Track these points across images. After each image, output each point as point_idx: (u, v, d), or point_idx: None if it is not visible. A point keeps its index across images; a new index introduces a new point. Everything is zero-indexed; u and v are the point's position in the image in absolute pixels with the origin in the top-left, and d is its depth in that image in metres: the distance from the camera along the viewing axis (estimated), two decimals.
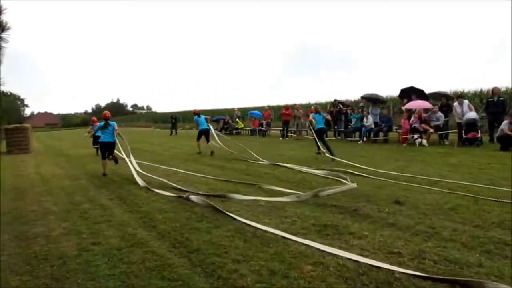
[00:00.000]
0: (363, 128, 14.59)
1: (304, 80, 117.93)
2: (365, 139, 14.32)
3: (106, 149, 8.70)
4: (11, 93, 68.13)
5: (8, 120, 36.25)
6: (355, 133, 15.51)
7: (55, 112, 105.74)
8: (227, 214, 4.66)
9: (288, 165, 8.60)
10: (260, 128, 21.43)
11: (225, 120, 25.52)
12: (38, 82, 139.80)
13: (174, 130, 28.60)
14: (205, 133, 12.31)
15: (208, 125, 12.43)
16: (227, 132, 24.13)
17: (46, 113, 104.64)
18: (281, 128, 19.16)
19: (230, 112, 29.05)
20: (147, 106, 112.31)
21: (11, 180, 8.51)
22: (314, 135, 9.87)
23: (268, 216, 4.58)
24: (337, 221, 4.30)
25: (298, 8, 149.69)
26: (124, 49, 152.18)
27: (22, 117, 68.06)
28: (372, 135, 14.31)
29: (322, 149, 9.70)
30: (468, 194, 5.31)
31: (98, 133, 10.91)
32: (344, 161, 8.73)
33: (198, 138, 12.37)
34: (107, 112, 9.05)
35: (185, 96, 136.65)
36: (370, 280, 2.91)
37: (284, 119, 18.74)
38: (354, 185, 5.48)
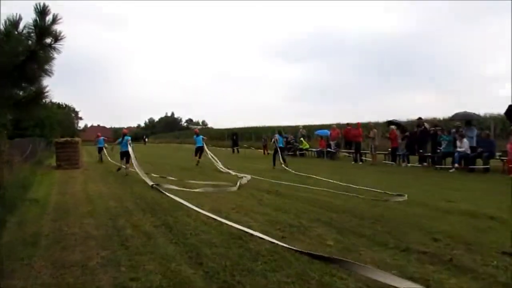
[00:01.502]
0: (456, 153, 13.54)
1: (378, 91, 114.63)
2: (457, 166, 13.25)
3: (123, 155, 14.09)
4: (66, 105, 74.50)
5: (61, 133, 39.56)
6: (445, 159, 14.46)
7: (107, 126, 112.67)
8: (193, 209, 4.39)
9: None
10: (328, 149, 20.92)
11: (288, 139, 25.36)
12: (93, 94, 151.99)
13: (236, 149, 29.24)
14: (200, 150, 17.30)
15: (203, 144, 17.25)
16: (290, 153, 23.91)
17: (99, 126, 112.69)
18: (353, 151, 18.61)
19: (294, 130, 28.90)
20: (203, 122, 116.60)
21: (56, 198, 9.02)
22: (278, 151, 15.99)
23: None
24: (427, 274, 3.82)
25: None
26: (180, 62, 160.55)
27: (75, 130, 73.99)
28: (468, 162, 13.20)
29: (282, 162, 15.47)
30: None
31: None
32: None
33: (195, 153, 17.46)
34: (125, 130, 15.13)
35: (243, 112, 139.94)
36: None
37: (354, 140, 18.27)
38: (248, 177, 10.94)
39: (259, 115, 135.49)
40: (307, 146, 23.90)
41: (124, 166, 14.07)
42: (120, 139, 14.51)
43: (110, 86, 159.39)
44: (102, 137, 21.57)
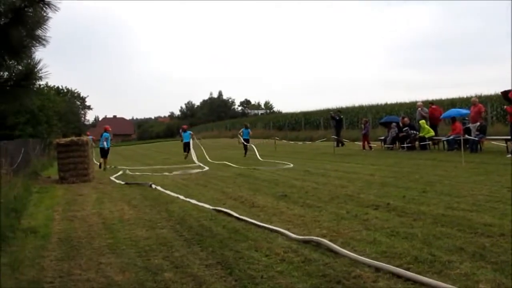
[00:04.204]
0: None
1: None
2: None
3: (102, 153, 23.61)
4: (68, 90, 78.12)
5: (63, 131, 41.12)
6: None
7: (127, 117, 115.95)
8: None
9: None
10: (467, 137, 20.03)
11: (400, 126, 24.70)
12: (106, 74, 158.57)
13: (338, 140, 29.05)
14: (187, 145, 27.57)
15: (189, 139, 27.59)
16: (405, 144, 23.27)
17: (115, 118, 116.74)
18: (509, 137, 17.77)
19: (410, 108, 28.10)
20: (266, 104, 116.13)
21: (61, 226, 9.38)
22: (244, 142, 28.24)
23: None
24: None
25: None
26: (226, 19, 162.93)
27: (82, 125, 76.94)
28: None
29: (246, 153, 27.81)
30: None
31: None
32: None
33: (184, 150, 28.02)
34: (107, 127, 24.87)
35: (323, 89, 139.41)
36: None
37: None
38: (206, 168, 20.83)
39: (347, 92, 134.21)
40: (432, 133, 23.10)
41: (100, 163, 23.97)
42: (105, 135, 23.59)
43: (129, 62, 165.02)
44: (90, 136, 29.22)
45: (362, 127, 28.16)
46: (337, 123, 31.04)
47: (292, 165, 19.59)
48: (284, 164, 20.10)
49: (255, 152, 26.14)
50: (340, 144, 29.33)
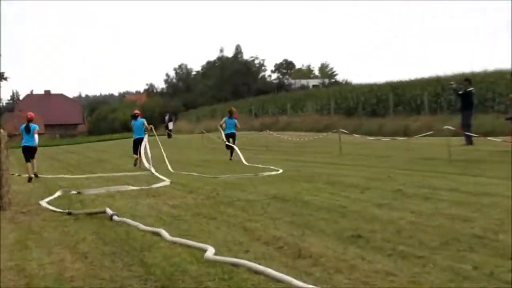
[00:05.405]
0: None
1: None
2: None
3: (28, 152, 25.48)
4: None
5: None
6: None
7: (71, 94, 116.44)
8: None
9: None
10: None
11: None
12: (33, 24, 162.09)
13: (464, 132, 28.23)
14: (139, 143, 29.03)
15: (144, 133, 29.46)
16: None
17: (49, 95, 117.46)
18: None
19: None
20: (323, 68, 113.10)
21: None
22: (224, 137, 32.69)
23: None
24: None
25: None
26: None
27: None
28: None
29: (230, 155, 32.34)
30: None
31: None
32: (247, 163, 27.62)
33: (134, 150, 29.95)
34: (30, 114, 26.02)
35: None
36: None
37: None
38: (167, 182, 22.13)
39: (467, 50, 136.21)
40: None
41: (31, 174, 25.41)
42: (22, 127, 25.11)
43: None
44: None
45: (510, 109, 27.17)
46: (463, 100, 29.44)
47: (281, 170, 22.73)
48: (270, 170, 23.27)
49: (239, 156, 30.09)
50: (468, 141, 27.97)
